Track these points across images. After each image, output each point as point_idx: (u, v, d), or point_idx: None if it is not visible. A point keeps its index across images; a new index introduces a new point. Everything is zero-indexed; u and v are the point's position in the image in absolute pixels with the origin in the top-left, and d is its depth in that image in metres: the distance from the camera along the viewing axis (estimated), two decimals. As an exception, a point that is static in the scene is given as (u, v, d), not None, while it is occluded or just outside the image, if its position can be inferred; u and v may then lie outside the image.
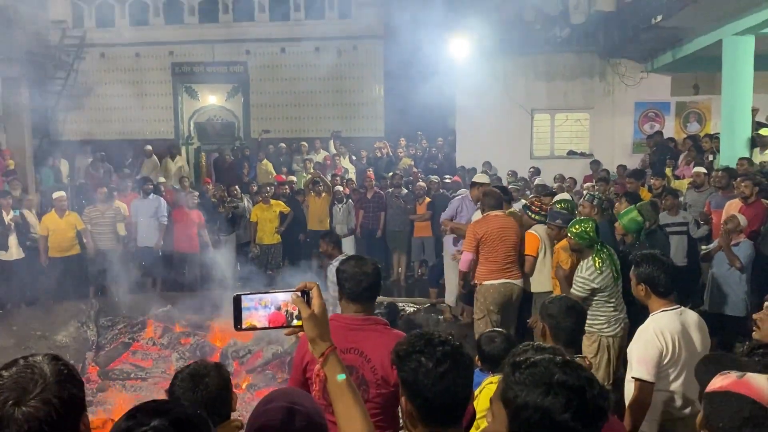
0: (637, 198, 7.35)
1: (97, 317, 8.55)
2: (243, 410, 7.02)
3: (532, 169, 11.44)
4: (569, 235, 5.14)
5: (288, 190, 11.15)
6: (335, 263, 5.98)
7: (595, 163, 12.00)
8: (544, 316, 3.01)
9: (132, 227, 9.84)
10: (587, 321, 5.04)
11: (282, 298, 1.75)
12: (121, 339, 8.18)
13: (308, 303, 1.74)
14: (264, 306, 1.74)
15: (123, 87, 15.45)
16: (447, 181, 11.27)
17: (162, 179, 11.69)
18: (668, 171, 10.29)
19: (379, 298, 8.94)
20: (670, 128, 12.97)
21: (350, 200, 10.78)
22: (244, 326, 1.75)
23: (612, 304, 4.96)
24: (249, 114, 15.75)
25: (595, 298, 4.94)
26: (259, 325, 1.75)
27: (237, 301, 1.74)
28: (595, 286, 4.89)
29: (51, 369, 1.48)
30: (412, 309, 8.41)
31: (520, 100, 13.13)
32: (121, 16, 15.65)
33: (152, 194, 10.02)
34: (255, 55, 15.46)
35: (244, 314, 1.74)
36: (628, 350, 3.26)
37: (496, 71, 13.16)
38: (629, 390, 3.19)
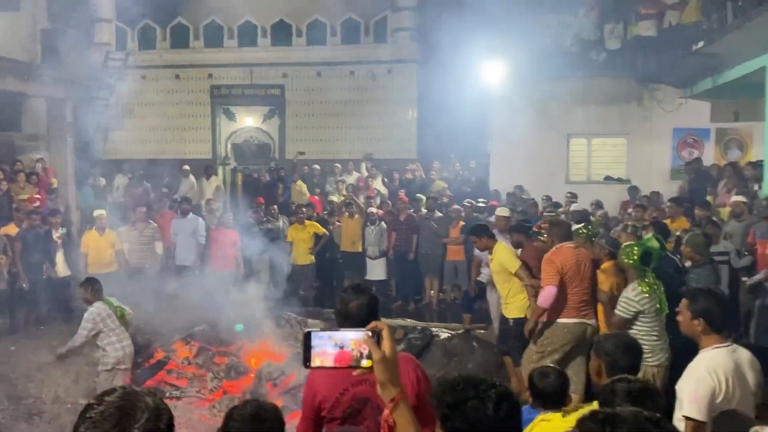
0: (664, 227, 7.26)
1: (134, 335, 8.63)
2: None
3: (569, 194, 11.30)
4: (620, 255, 5.29)
5: (315, 213, 11.18)
6: (93, 309, 6.45)
7: (634, 190, 11.84)
8: (600, 353, 2.93)
9: (170, 246, 9.98)
10: None
11: (351, 336, 1.74)
12: (157, 357, 8.24)
13: (379, 344, 1.72)
14: (333, 344, 1.72)
15: (163, 108, 15.83)
16: (481, 204, 11.22)
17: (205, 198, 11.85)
18: (710, 198, 10.09)
19: (412, 323, 8.98)
20: (710, 155, 12.74)
21: (383, 222, 10.80)
22: (312, 364, 1.73)
23: (656, 333, 4.96)
24: (284, 135, 15.95)
25: (638, 324, 4.93)
26: (327, 364, 1.73)
27: (307, 338, 1.73)
28: (640, 308, 4.92)
29: (152, 400, 1.56)
30: (446, 335, 8.32)
31: (555, 125, 13.08)
32: (162, 39, 16.06)
33: (191, 214, 10.17)
34: (291, 78, 15.70)
35: (313, 352, 1.72)
36: (677, 387, 3.16)
37: (532, 95, 13.12)
38: (680, 429, 3.09)
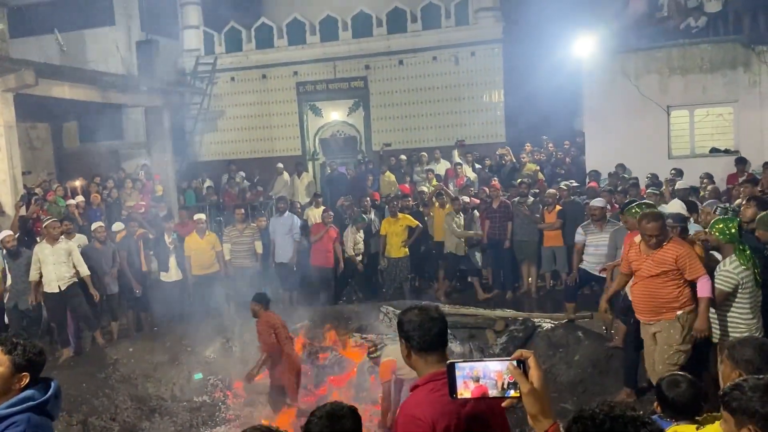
0: (765, 202, 6.70)
1: (241, 333, 8.94)
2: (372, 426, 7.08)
3: (673, 171, 10.62)
4: (711, 231, 5.12)
5: (411, 203, 11.12)
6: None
7: (741, 161, 10.99)
8: (739, 362, 2.68)
9: (269, 245, 10.21)
10: (727, 329, 4.95)
11: (496, 367, 1.70)
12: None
13: (525, 374, 1.66)
14: (477, 376, 1.70)
15: (252, 108, 16.27)
16: (575, 184, 10.80)
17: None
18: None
19: (513, 314, 8.78)
20: (831, 118, 11.67)
21: (475, 210, 10.61)
22: (458, 396, 1.72)
23: (750, 309, 4.91)
24: (370, 127, 16.01)
25: (736, 300, 4.89)
26: (471, 395, 1.71)
27: (451, 369, 1.72)
28: (739, 280, 4.86)
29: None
30: (548, 325, 8.07)
31: (654, 97, 12.36)
32: (247, 41, 16.46)
33: (287, 212, 10.38)
34: (374, 69, 15.71)
35: (458, 382, 1.71)
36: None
37: (626, 68, 12.48)
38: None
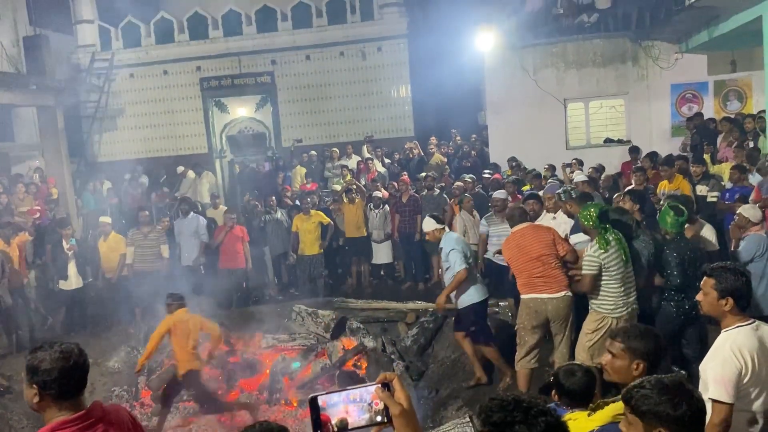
0: (642, 195, 7.18)
1: (146, 340, 8.60)
2: (297, 427, 7.04)
3: (574, 160, 11.03)
4: (580, 219, 5.51)
5: (317, 201, 11.06)
6: None
7: (635, 150, 11.63)
8: (636, 353, 2.84)
9: (175, 247, 9.89)
10: (596, 302, 5.29)
11: (360, 393, 1.63)
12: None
13: (392, 396, 1.61)
14: (342, 402, 1.61)
15: (154, 105, 15.68)
16: (486, 175, 11.09)
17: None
18: (707, 157, 9.94)
19: (423, 305, 8.93)
20: (710, 108, 12.57)
21: (386, 205, 10.70)
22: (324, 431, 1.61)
23: (621, 288, 5.21)
24: (279, 123, 15.80)
25: (603, 280, 5.20)
26: (340, 427, 1.61)
27: (313, 403, 1.61)
28: (601, 261, 5.18)
29: None
30: (457, 314, 8.24)
31: (551, 91, 12.89)
32: (146, 35, 15.83)
33: (191, 213, 10.08)
34: (281, 64, 15.52)
35: (322, 416, 1.61)
36: (701, 369, 3.08)
37: (525, 63, 12.95)
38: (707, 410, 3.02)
